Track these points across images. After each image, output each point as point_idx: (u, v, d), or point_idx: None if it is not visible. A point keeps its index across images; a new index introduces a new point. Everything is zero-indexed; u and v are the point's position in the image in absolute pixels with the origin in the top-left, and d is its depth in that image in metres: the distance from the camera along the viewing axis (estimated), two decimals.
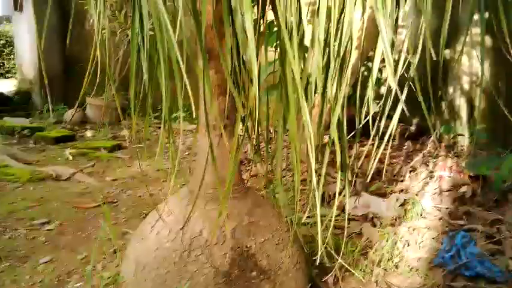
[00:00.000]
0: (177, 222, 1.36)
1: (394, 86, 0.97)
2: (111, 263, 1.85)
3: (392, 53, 1.27)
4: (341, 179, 1.30)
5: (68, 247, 2.05)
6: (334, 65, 1.26)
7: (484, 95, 3.53)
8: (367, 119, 1.25)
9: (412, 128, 3.90)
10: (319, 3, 1.19)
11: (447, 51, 3.74)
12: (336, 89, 1.13)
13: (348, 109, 1.29)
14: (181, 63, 0.93)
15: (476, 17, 1.25)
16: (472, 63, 3.58)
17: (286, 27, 1.08)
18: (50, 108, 5.12)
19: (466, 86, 3.70)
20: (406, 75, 1.23)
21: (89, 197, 2.72)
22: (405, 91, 1.19)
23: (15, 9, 5.79)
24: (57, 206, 2.55)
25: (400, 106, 1.31)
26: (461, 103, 3.69)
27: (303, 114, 1.07)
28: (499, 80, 3.32)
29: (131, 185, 2.98)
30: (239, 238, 1.33)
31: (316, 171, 1.15)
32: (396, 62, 1.32)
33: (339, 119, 1.16)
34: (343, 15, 1.19)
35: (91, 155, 3.71)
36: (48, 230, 2.24)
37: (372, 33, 1.29)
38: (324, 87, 1.26)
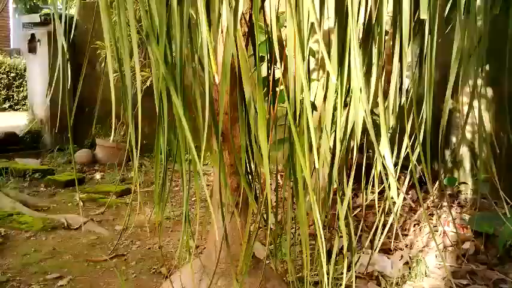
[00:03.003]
0: None
1: (398, 202, 1.04)
2: None
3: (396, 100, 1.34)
4: (346, 234, 1.36)
5: None
6: (340, 149, 1.35)
7: (486, 145, 3.60)
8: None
9: (416, 175, 3.97)
10: (326, 92, 1.28)
11: (450, 101, 3.83)
12: (343, 189, 1.21)
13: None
14: (199, 166, 1.02)
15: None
16: (474, 113, 3.68)
17: (294, 114, 1.16)
18: (71, 150, 5.21)
19: (469, 135, 3.78)
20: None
21: (100, 248, 2.78)
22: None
23: (30, 51, 5.98)
24: (69, 259, 2.61)
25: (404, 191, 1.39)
26: (464, 152, 3.76)
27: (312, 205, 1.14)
28: (501, 131, 3.41)
29: (140, 235, 3.04)
30: None
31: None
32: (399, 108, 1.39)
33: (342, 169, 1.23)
34: (348, 108, 1.29)
35: (101, 200, 3.78)
36: (60, 285, 2.30)
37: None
38: (331, 173, 1.35)
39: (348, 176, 1.31)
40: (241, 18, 1.35)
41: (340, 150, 1.35)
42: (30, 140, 5.81)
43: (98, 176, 4.74)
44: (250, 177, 1.54)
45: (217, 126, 1.26)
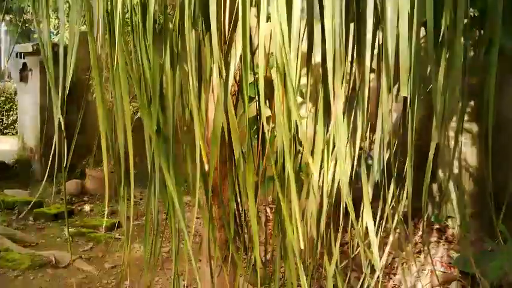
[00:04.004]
0: None
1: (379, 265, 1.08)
2: None
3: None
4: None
5: None
6: (327, 206, 1.38)
7: (472, 179, 3.68)
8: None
9: (404, 209, 4.01)
10: (312, 149, 1.32)
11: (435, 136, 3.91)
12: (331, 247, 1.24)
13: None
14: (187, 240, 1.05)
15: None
16: (460, 148, 3.75)
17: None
18: (63, 182, 5.17)
19: (455, 170, 3.84)
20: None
21: None
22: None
23: (21, 80, 6.00)
24: None
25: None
26: (450, 186, 3.82)
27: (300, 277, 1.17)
28: (486, 165, 3.48)
29: (129, 273, 3.02)
30: None
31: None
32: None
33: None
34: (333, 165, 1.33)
35: (90, 235, 3.76)
36: None
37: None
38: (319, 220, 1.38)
39: (336, 238, 1.35)
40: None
41: (327, 206, 1.39)
42: (20, 169, 5.78)
43: (87, 207, 4.72)
44: (239, 229, 1.57)
45: (207, 183, 1.30)
